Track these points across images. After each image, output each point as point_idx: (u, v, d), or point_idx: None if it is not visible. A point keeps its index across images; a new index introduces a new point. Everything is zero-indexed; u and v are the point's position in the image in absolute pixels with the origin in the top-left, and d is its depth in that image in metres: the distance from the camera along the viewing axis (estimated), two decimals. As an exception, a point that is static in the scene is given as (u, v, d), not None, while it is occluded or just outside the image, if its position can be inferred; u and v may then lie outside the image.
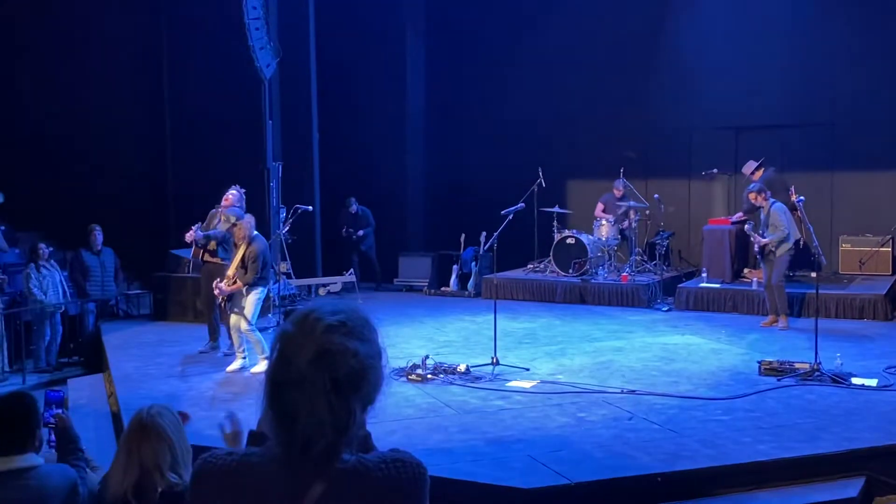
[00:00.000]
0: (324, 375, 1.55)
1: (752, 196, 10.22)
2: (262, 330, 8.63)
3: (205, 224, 9.62)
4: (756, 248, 10.21)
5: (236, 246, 8.70)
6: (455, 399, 7.36)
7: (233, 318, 8.57)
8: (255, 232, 8.66)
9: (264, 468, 1.61)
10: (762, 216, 10.14)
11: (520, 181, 12.98)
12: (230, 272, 8.51)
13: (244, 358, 8.57)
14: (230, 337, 9.41)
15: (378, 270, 14.19)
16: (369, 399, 1.64)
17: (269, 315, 10.46)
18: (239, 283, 8.42)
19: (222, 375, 8.48)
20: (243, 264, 8.46)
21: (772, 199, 10.07)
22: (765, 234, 10.00)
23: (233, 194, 9.49)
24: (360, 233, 13.97)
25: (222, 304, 8.64)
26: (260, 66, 11.77)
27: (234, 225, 8.69)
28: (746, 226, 10.50)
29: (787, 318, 10.18)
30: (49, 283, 10.81)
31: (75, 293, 11.41)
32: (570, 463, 5.71)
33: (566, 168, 14.27)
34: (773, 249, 9.98)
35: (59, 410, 3.74)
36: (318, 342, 1.57)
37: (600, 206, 13.28)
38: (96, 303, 11.73)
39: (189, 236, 9.32)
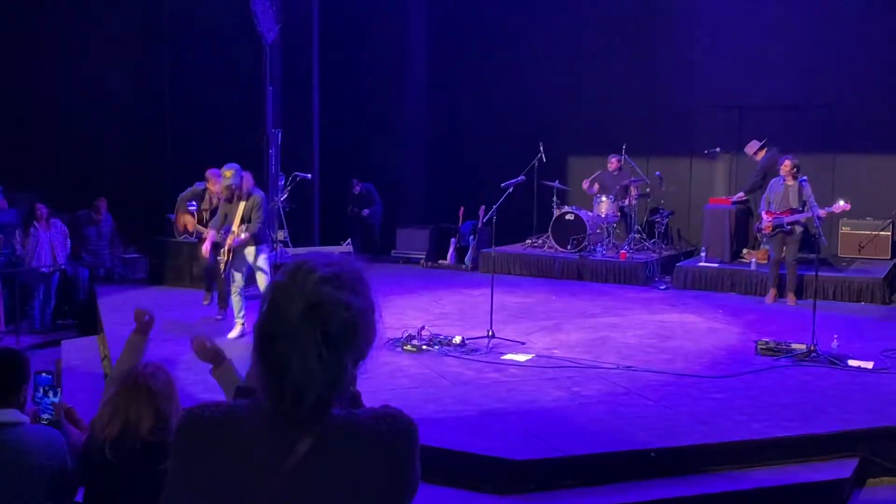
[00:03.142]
0: (315, 328, 1.51)
1: (787, 165, 10.15)
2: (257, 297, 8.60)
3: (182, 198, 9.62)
4: (767, 225, 10.18)
5: (230, 202, 8.59)
6: (450, 370, 7.34)
7: (236, 281, 8.55)
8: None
9: (252, 421, 1.57)
10: (786, 192, 10.11)
11: (520, 156, 12.90)
12: (234, 227, 8.47)
13: (243, 324, 8.52)
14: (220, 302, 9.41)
15: (378, 243, 14.19)
16: (361, 354, 1.60)
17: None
18: (247, 234, 8.40)
19: (221, 342, 8.44)
20: (244, 219, 8.45)
21: (801, 177, 10.09)
22: (794, 210, 10.06)
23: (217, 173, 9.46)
24: (366, 212, 14.00)
25: (224, 265, 8.58)
26: (261, 31, 11.64)
27: (215, 184, 8.65)
28: (809, 198, 9.86)
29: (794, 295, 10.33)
30: (33, 244, 10.74)
31: (71, 255, 11.36)
32: (564, 436, 5.70)
33: (567, 143, 14.18)
34: (797, 226, 10.06)
35: (55, 399, 3.64)
36: (311, 294, 1.53)
37: (596, 185, 13.10)
38: (91, 266, 11.68)
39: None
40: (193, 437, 1.60)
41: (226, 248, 8.50)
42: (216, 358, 2.97)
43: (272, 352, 1.53)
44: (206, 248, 8.69)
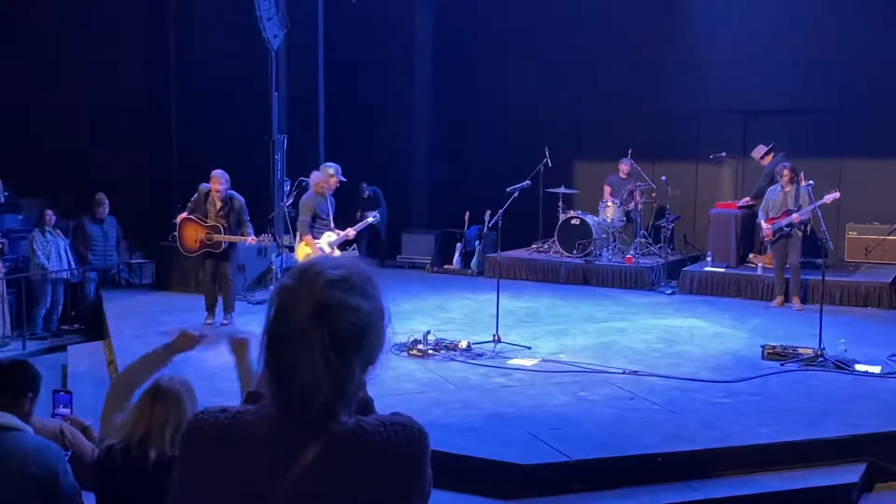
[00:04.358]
0: (322, 331, 1.48)
1: (787, 172, 10.29)
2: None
3: (196, 198, 9.61)
4: (768, 232, 10.26)
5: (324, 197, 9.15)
6: (456, 375, 7.34)
7: None
8: None
9: (258, 426, 1.54)
10: (784, 198, 10.23)
11: (525, 160, 12.87)
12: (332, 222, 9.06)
13: None
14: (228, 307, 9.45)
15: (384, 248, 14.16)
16: (370, 358, 1.57)
17: (272, 287, 10.45)
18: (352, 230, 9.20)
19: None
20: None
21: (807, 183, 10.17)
22: (790, 211, 10.15)
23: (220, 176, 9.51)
24: (375, 216, 13.93)
25: None
26: (267, 37, 11.66)
27: (332, 177, 9.27)
28: (808, 192, 9.94)
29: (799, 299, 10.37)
30: (52, 250, 10.79)
31: (77, 261, 11.38)
32: (570, 440, 5.68)
33: (573, 148, 14.16)
34: (798, 230, 10.12)
35: (68, 411, 3.64)
36: (318, 296, 1.50)
37: (607, 188, 13.21)
38: (98, 271, 11.70)
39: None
40: (198, 442, 1.58)
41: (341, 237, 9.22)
42: (241, 351, 2.97)
43: (279, 355, 1.50)
44: (316, 249, 9.12)
